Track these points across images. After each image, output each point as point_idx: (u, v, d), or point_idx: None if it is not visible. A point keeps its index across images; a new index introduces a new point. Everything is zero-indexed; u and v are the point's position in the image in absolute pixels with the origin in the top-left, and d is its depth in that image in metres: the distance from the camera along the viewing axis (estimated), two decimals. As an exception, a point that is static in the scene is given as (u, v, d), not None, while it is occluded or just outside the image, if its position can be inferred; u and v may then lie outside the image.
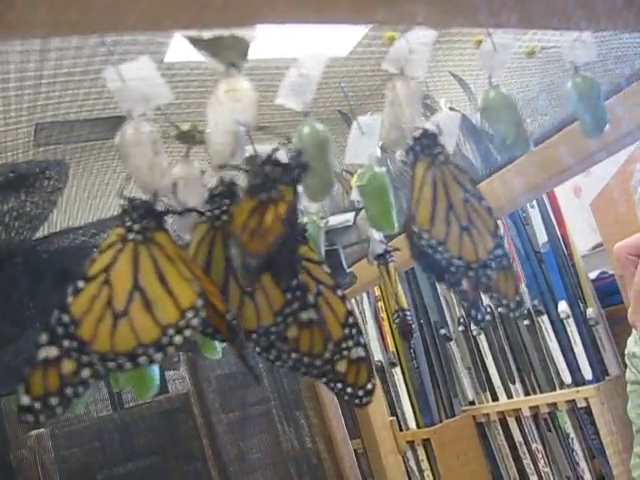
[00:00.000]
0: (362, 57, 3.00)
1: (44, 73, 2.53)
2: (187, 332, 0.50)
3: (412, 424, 2.54)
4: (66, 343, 0.49)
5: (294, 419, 2.23)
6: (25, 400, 0.49)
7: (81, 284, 0.51)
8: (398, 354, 2.57)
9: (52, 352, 0.49)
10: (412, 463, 2.55)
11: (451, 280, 0.58)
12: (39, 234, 0.78)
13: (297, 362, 0.58)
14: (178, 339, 0.50)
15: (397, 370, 2.57)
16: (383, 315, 2.57)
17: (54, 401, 0.49)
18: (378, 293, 2.53)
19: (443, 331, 2.55)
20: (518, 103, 0.67)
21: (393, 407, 2.57)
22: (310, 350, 0.58)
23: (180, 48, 2.41)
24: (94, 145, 2.78)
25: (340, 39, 2.80)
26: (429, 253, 0.57)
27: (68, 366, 0.49)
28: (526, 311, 2.24)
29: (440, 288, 2.55)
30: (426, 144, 0.60)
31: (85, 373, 0.50)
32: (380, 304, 2.57)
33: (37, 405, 0.49)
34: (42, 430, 2.02)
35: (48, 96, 2.67)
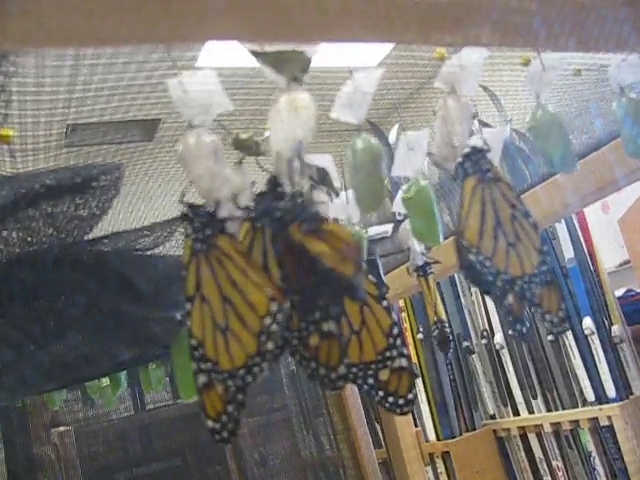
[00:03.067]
0: (391, 69, 3.01)
1: (78, 79, 2.58)
2: (273, 337, 0.51)
3: (432, 436, 2.54)
4: (203, 366, 0.52)
5: (317, 426, 2.24)
6: (209, 424, 0.53)
7: (188, 306, 0.52)
8: (420, 365, 2.57)
9: (203, 378, 0.52)
10: (431, 475, 2.55)
11: (497, 294, 0.60)
12: (87, 236, 0.80)
13: (314, 371, 0.58)
14: (270, 345, 0.51)
15: (418, 382, 2.57)
16: (406, 326, 2.58)
17: (225, 419, 0.52)
18: (402, 304, 2.53)
19: (466, 344, 2.55)
20: (565, 121, 0.68)
21: (414, 418, 2.56)
22: (327, 362, 0.58)
23: (211, 55, 2.44)
24: (127, 148, 2.82)
25: (370, 50, 2.81)
26: (477, 268, 0.58)
27: (219, 387, 0.52)
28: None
29: (464, 301, 2.55)
30: (475, 161, 0.62)
31: (232, 389, 0.52)
32: (403, 315, 2.57)
33: (217, 426, 0.53)
34: (65, 428, 2.05)
35: (80, 99, 2.71)
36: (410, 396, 0.66)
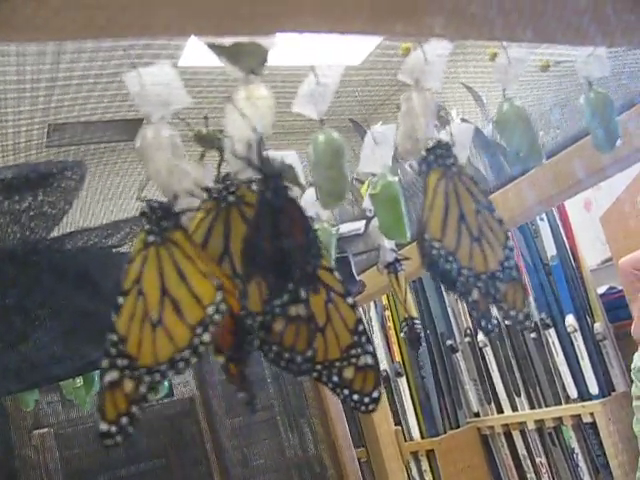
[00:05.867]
0: (374, 67, 3.01)
1: (59, 75, 2.55)
2: (211, 328, 0.50)
3: (416, 434, 2.54)
4: (119, 362, 0.50)
5: (298, 426, 2.23)
6: (104, 427, 0.50)
7: (120, 300, 0.51)
8: (404, 364, 2.57)
9: (113, 375, 0.50)
10: (415, 473, 2.55)
11: (461, 290, 0.59)
12: (53, 234, 0.79)
13: (277, 355, 0.57)
14: (206, 337, 0.50)
15: (402, 380, 2.57)
16: (390, 324, 2.57)
17: (125, 421, 0.50)
18: (386, 302, 2.53)
19: (449, 342, 2.55)
20: (531, 116, 0.67)
21: (398, 417, 2.56)
22: (293, 346, 0.57)
23: (194, 53, 2.43)
24: (107, 147, 2.80)
25: (353, 48, 2.81)
26: (440, 262, 0.58)
27: (129, 385, 0.50)
28: (533, 324, 2.24)
29: (448, 299, 2.55)
30: (439, 154, 0.61)
31: (143, 388, 0.50)
32: (387, 313, 2.57)
33: (113, 429, 0.50)
34: (46, 430, 2.03)
35: (62, 97, 2.69)
36: (375, 394, 0.64)
